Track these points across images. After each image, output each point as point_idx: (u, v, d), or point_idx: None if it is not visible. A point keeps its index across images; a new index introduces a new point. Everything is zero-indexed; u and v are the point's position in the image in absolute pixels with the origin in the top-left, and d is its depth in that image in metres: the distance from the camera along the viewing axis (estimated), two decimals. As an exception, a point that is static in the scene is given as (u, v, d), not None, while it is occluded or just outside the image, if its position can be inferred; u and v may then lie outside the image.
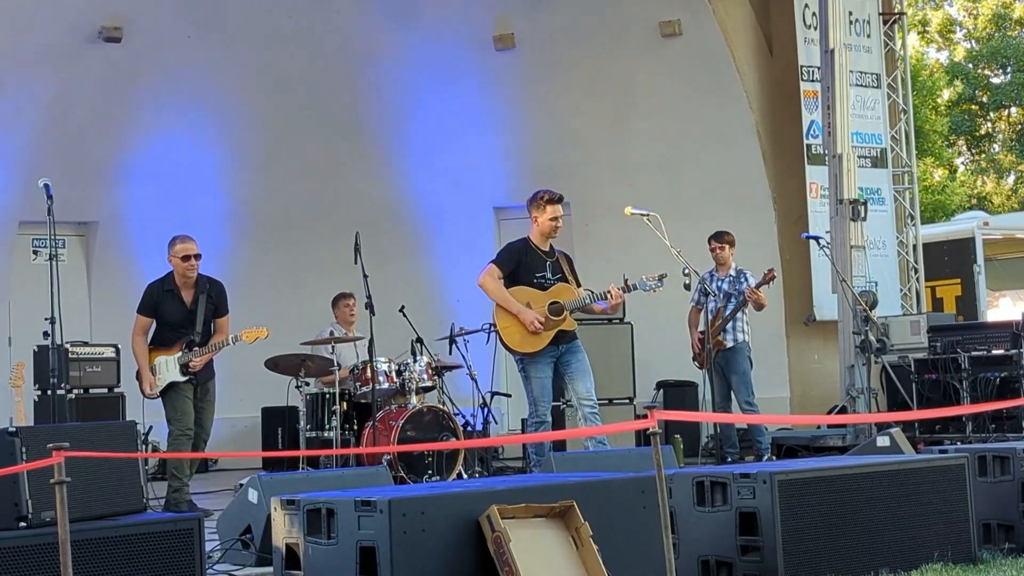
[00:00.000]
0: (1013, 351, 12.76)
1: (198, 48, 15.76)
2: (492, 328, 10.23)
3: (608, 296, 9.93)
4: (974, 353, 13.04)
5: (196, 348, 10.37)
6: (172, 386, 10.41)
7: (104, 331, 14.77)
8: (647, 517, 6.07)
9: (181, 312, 10.50)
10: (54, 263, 9.22)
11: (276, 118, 16.29)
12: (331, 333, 12.78)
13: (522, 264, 10.03)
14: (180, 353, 10.39)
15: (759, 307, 12.61)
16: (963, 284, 18.08)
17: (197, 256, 10.48)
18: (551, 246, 10.23)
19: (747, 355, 12.66)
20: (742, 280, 12.59)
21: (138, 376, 10.63)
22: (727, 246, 12.77)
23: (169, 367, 10.39)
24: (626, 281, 9.92)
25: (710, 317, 12.46)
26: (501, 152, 16.57)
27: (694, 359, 12.86)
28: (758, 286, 12.40)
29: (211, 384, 10.62)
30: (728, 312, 12.53)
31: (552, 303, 9.89)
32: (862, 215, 13.44)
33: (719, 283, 12.67)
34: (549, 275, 10.05)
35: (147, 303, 10.57)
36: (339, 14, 15.96)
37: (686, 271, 9.82)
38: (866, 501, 6.51)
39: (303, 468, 11.36)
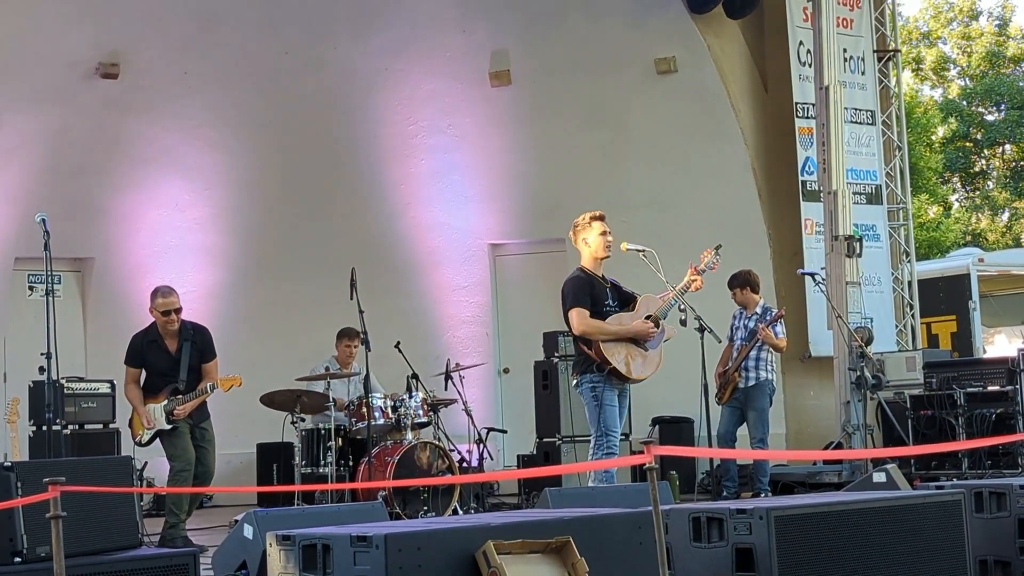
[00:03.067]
0: (1009, 387, 12.76)
1: (195, 85, 15.80)
2: (602, 366, 9.50)
3: (692, 283, 9.63)
4: (970, 389, 13.05)
5: (180, 396, 10.46)
6: (163, 431, 10.50)
7: (99, 367, 14.74)
8: (643, 553, 6.05)
9: (166, 361, 10.60)
10: (51, 298, 9.23)
11: (272, 154, 16.32)
12: (326, 369, 12.77)
13: (592, 296, 9.63)
14: (166, 401, 10.49)
15: (775, 348, 12.66)
16: (958, 320, 18.11)
17: (178, 311, 10.57)
18: (603, 273, 9.84)
19: (768, 393, 12.64)
20: (767, 317, 12.59)
21: (130, 424, 10.78)
22: (737, 290, 12.80)
23: (156, 415, 10.50)
24: (694, 267, 9.68)
25: (734, 354, 12.58)
26: (496, 188, 16.59)
27: (716, 395, 12.74)
28: (767, 324, 12.43)
29: (207, 424, 10.69)
30: (747, 355, 12.58)
31: (646, 317, 9.62)
32: (857, 251, 13.48)
33: (746, 321, 12.70)
34: (611, 303, 9.70)
35: (132, 355, 10.71)
36: (335, 51, 16.01)
37: (681, 307, 9.79)
38: (862, 537, 6.49)
39: (298, 504, 11.33)
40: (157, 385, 10.61)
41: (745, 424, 12.66)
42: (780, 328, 12.66)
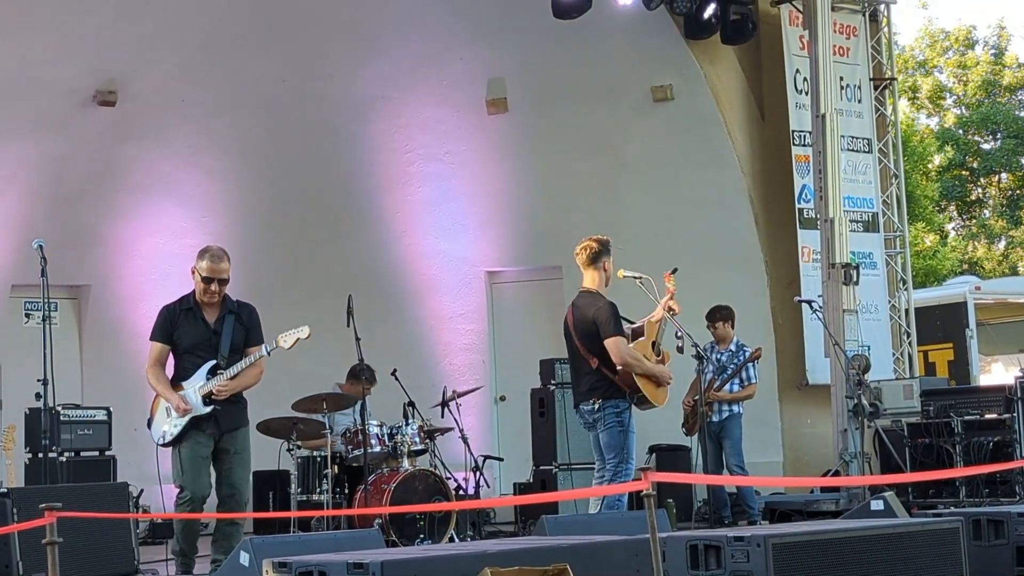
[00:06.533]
0: (1006, 415, 12.77)
1: (192, 112, 15.80)
2: (633, 395, 9.64)
3: (671, 304, 9.75)
4: (967, 417, 13.06)
5: (221, 373, 8.81)
6: (184, 437, 8.70)
7: (96, 394, 14.71)
8: (641, 580, 6.04)
9: (202, 333, 8.92)
10: (47, 325, 9.14)
11: (269, 181, 16.32)
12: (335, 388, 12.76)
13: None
14: (201, 383, 8.79)
15: (746, 398, 13.04)
16: (955, 348, 18.11)
17: (222, 282, 8.99)
18: None
19: (739, 423, 12.94)
20: (740, 355, 12.85)
21: (151, 421, 8.98)
22: (720, 323, 13.01)
23: (188, 401, 8.76)
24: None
25: (703, 387, 12.68)
26: (493, 216, 16.60)
27: (682, 425, 13.06)
28: (740, 365, 12.69)
29: (241, 434, 8.97)
30: (716, 386, 12.71)
31: (651, 344, 9.75)
32: (854, 279, 13.49)
33: (718, 355, 12.88)
34: None
35: (161, 326, 8.96)
36: (333, 79, 16.02)
37: (679, 334, 9.80)
38: (860, 565, 6.48)
39: (294, 532, 11.29)
40: (189, 367, 8.87)
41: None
42: (753, 372, 13.08)
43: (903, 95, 36.50)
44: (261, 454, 12.99)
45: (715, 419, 12.82)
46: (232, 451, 8.86)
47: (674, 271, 10.07)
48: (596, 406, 9.69)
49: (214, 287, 8.92)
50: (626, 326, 9.83)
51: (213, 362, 8.87)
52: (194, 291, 9.03)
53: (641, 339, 9.76)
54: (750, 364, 12.90)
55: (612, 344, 9.53)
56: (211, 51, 15.49)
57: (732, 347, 13.02)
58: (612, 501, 9.63)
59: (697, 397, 12.68)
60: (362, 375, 12.53)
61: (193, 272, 9.01)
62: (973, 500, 12.50)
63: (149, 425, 9.00)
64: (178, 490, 8.65)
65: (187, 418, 8.68)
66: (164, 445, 8.80)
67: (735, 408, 12.89)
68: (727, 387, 12.87)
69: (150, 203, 16.12)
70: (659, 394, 9.73)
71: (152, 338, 9.01)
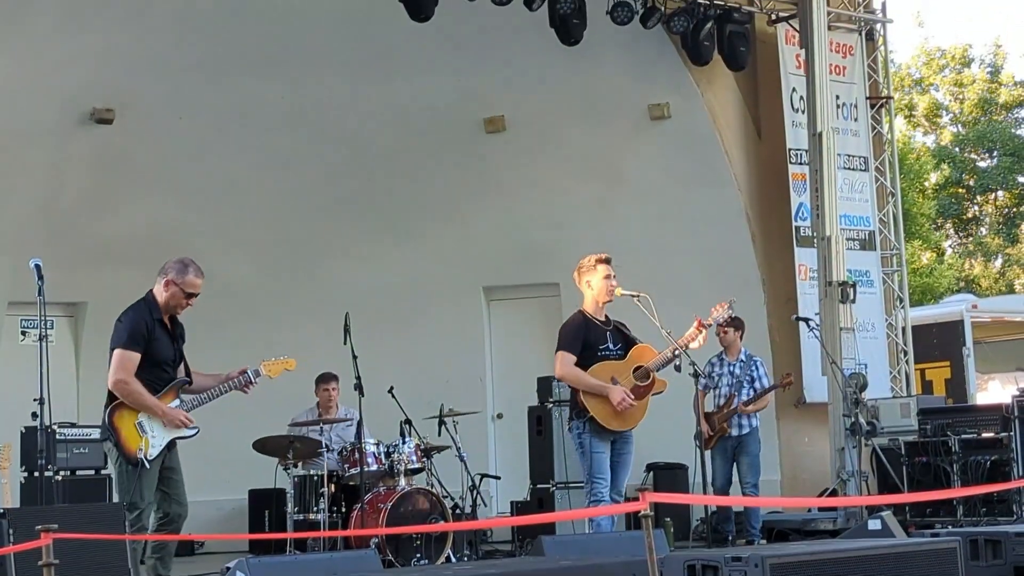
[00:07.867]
0: (1003, 434, 12.75)
1: (189, 129, 15.79)
2: (581, 414, 9.58)
3: (694, 339, 9.61)
4: (964, 436, 13.05)
5: (194, 395, 8.43)
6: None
7: (92, 413, 14.60)
8: (638, 601, 6.03)
9: (169, 348, 8.47)
10: (44, 343, 9.10)
11: (266, 198, 16.31)
12: (319, 415, 12.74)
13: (586, 340, 9.63)
14: (178, 401, 8.38)
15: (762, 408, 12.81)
16: (952, 367, 18.13)
17: (196, 297, 8.58)
18: (607, 315, 9.87)
19: (758, 438, 12.73)
20: (753, 366, 12.65)
21: (119, 439, 8.20)
22: (731, 330, 12.77)
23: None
24: (701, 321, 9.69)
25: (722, 401, 12.57)
26: (491, 232, 16.59)
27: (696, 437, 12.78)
28: (771, 388, 12.59)
29: (176, 450, 8.46)
30: (736, 404, 12.53)
31: (636, 368, 9.63)
32: (851, 297, 13.51)
33: (730, 367, 12.72)
34: (611, 346, 9.71)
35: (140, 334, 8.34)
36: (330, 97, 16.02)
37: (676, 352, 9.78)
38: (858, 585, 6.47)
39: (290, 551, 11.27)
40: (158, 382, 8.35)
41: (736, 470, 12.71)
42: (767, 380, 12.86)
43: (899, 113, 36.59)
44: (257, 473, 13.02)
45: (734, 433, 12.60)
46: (175, 468, 8.35)
47: (732, 303, 10.17)
48: (570, 427, 9.82)
49: (193, 302, 8.54)
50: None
51: (185, 381, 8.52)
52: (153, 300, 8.55)
53: (620, 361, 9.71)
54: (764, 375, 12.75)
55: (555, 359, 9.67)
56: (209, 69, 15.48)
57: (743, 357, 12.85)
58: (590, 521, 9.69)
59: (716, 414, 12.70)
60: (320, 380, 12.77)
61: (168, 284, 8.50)
62: (970, 519, 12.48)
63: (113, 441, 8.22)
64: (130, 512, 7.81)
65: (162, 445, 8.18)
66: (140, 465, 8.08)
67: (754, 422, 12.63)
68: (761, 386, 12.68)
69: (146, 221, 16.07)
70: (614, 421, 9.55)
71: (128, 347, 8.30)
